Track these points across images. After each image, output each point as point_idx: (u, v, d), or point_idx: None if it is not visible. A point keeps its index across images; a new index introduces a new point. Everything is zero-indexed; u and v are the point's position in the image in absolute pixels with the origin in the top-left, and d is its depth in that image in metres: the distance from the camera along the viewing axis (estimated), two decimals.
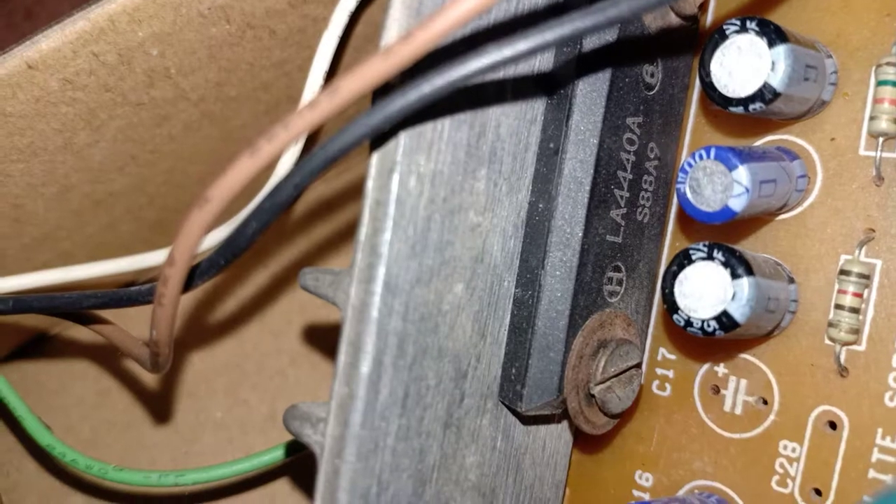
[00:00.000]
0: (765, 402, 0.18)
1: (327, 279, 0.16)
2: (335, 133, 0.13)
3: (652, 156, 0.18)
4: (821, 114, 0.17)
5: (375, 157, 0.15)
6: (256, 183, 0.14)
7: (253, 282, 0.30)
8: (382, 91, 0.14)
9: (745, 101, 0.15)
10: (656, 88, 0.18)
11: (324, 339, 0.29)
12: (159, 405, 0.30)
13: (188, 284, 0.16)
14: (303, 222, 0.30)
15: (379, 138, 0.15)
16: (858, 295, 0.16)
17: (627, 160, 0.17)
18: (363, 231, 0.15)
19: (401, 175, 0.15)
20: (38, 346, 0.30)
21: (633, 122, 0.17)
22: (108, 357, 0.30)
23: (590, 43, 0.16)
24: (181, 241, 0.14)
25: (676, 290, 0.16)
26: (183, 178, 0.26)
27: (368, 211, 0.15)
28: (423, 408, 0.16)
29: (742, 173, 0.15)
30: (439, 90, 0.13)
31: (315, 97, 0.13)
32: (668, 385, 0.19)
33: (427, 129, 0.15)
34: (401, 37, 0.13)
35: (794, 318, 0.17)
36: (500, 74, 0.16)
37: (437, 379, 0.16)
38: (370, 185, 0.15)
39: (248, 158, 0.13)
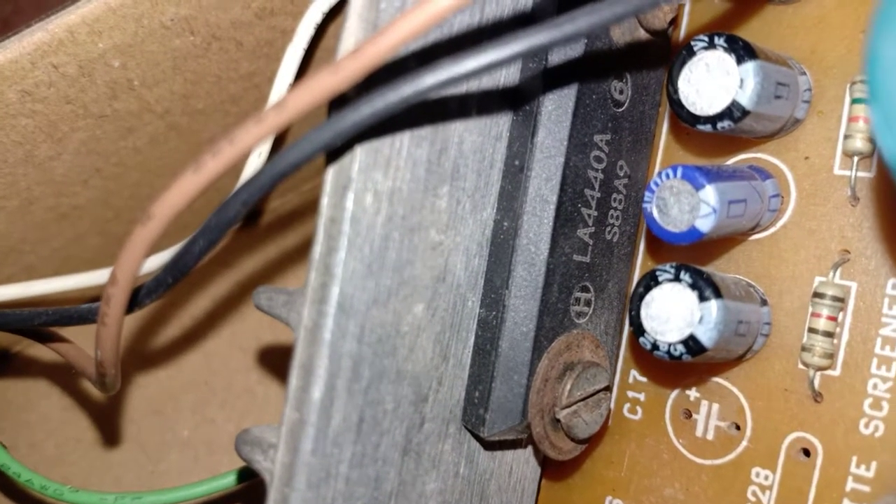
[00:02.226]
0: (737, 428, 0.17)
1: (281, 299, 0.15)
2: (284, 148, 0.13)
3: (621, 174, 0.18)
4: (794, 132, 0.17)
5: (330, 174, 0.14)
6: (223, 194, 0.14)
7: (222, 296, 0.29)
8: (339, 104, 0.14)
9: (713, 119, 0.15)
10: (625, 105, 0.17)
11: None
12: (125, 423, 0.29)
13: (134, 304, 0.15)
14: (274, 233, 0.29)
15: (334, 153, 0.14)
16: (833, 318, 0.16)
17: (595, 178, 0.17)
18: (317, 250, 0.14)
19: (356, 192, 0.14)
20: (1, 363, 0.30)
21: (601, 140, 0.17)
22: (72, 374, 0.29)
23: (555, 58, 0.16)
24: (123, 259, 0.14)
25: (643, 312, 0.15)
26: (150, 191, 0.25)
27: (323, 229, 0.14)
28: (379, 433, 0.15)
29: (709, 193, 0.14)
30: (392, 105, 0.13)
31: (263, 111, 0.12)
32: (639, 408, 0.18)
33: (385, 144, 0.14)
34: (350, 51, 0.12)
35: (766, 342, 0.17)
36: (462, 89, 0.16)
37: (396, 403, 0.15)
38: (324, 202, 0.14)
39: (192, 174, 0.13)
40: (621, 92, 0.17)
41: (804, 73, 0.17)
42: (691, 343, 0.15)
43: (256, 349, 0.29)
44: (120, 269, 0.14)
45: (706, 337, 0.14)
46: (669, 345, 0.15)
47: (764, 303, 0.17)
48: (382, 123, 0.14)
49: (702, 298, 0.14)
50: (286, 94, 0.12)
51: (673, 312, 0.15)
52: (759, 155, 0.17)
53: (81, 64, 0.20)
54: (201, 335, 0.29)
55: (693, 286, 0.15)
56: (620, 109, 0.17)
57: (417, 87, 0.12)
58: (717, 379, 0.18)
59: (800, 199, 0.17)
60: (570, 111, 0.16)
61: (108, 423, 0.29)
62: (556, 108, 0.16)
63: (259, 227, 0.30)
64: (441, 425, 0.16)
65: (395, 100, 0.12)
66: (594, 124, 0.17)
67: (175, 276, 0.15)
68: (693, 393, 0.18)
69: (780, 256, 0.17)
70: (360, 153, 0.14)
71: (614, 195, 0.18)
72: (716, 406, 0.17)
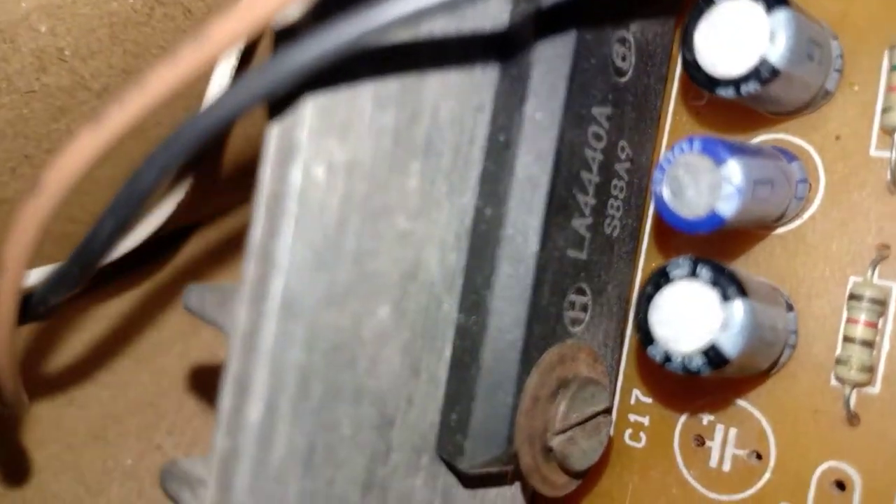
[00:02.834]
0: (759, 457, 0.15)
1: (214, 298, 0.12)
2: (210, 101, 0.10)
3: (623, 156, 0.15)
4: (823, 107, 0.15)
5: (273, 136, 0.12)
6: None
7: (172, 303, 0.26)
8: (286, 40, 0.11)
9: (736, 82, 0.13)
10: (628, 75, 0.15)
11: None
12: (62, 449, 0.26)
13: (39, 304, 0.13)
14: (242, 232, 0.27)
15: (277, 108, 0.11)
16: (872, 325, 0.14)
17: (593, 159, 0.15)
18: (255, 233, 0.12)
19: (305, 162, 0.12)
20: None
21: (601, 114, 0.15)
22: None
23: (548, 11, 0.13)
24: (12, 241, 0.11)
25: (652, 316, 0.12)
26: (89, 183, 0.22)
27: (263, 207, 0.12)
28: (334, 466, 0.12)
29: (733, 169, 0.12)
30: (350, 43, 0.10)
31: (183, 44, 0.10)
32: (643, 434, 0.16)
33: (342, 104, 0.12)
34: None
35: (793, 354, 0.14)
36: (438, 43, 0.13)
37: (355, 427, 0.13)
38: (266, 173, 0.12)
39: (91, 132, 0.10)
40: (624, 58, 0.15)
41: (835, 38, 0.14)
42: (712, 353, 0.12)
43: (212, 366, 0.26)
44: (8, 252, 0.11)
45: (730, 345, 0.12)
46: (685, 356, 0.12)
47: (790, 308, 0.14)
48: (339, 75, 0.11)
49: (725, 297, 0.12)
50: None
51: (689, 316, 0.12)
52: (781, 135, 0.15)
53: (2, 27, 0.17)
54: (148, 350, 0.26)
55: (714, 283, 0.12)
56: (623, 79, 0.15)
57: (385, 18, 0.10)
58: (734, 399, 0.15)
59: (830, 185, 0.15)
60: (566, 76, 0.14)
61: (43, 449, 0.26)
62: (549, 73, 0.14)
63: (221, 225, 0.27)
64: (411, 455, 0.14)
65: (354, 35, 0.10)
66: (593, 94, 0.14)
67: (83, 267, 0.12)
68: (706, 416, 0.15)
69: (807, 253, 0.15)
70: (310, 112, 0.12)
71: (615, 181, 0.15)
72: (733, 431, 0.15)
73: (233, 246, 0.27)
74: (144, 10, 0.18)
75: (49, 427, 0.26)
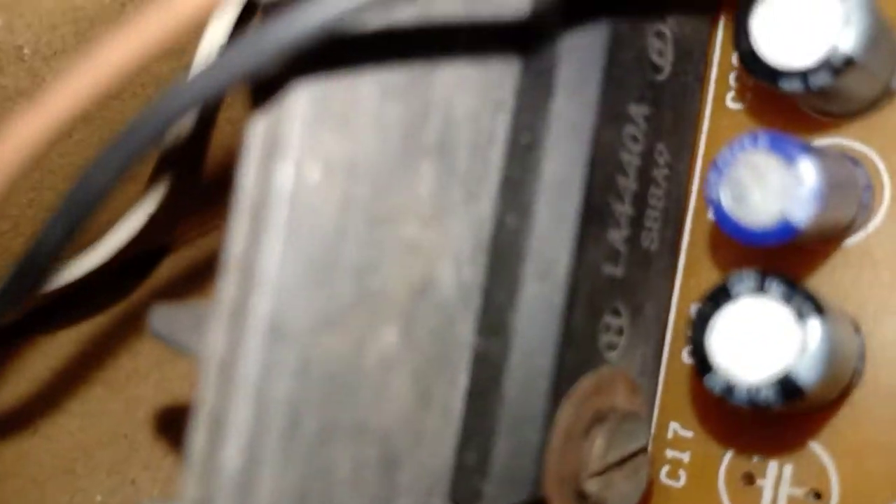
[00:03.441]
0: (818, 496, 0.13)
1: (186, 320, 0.10)
2: (173, 85, 0.08)
3: (661, 161, 0.14)
4: (886, 107, 0.13)
5: (257, 130, 0.10)
6: None
7: (147, 329, 0.24)
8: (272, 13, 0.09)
9: (804, 74, 0.11)
10: (666, 72, 0.14)
11: None
12: (26, 484, 0.25)
13: None
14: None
15: (262, 97, 0.10)
16: None
17: (630, 164, 0.13)
18: (236, 246, 0.10)
19: (298, 160, 0.10)
20: None
21: (638, 113, 0.13)
22: None
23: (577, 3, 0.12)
24: None
25: (711, 340, 0.11)
26: (54, 196, 0.21)
27: (246, 215, 0.10)
28: None
29: (807, 170, 0.10)
30: (337, 20, 0.08)
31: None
32: (682, 472, 0.14)
33: (341, 92, 0.10)
34: None
35: (860, 382, 0.13)
36: (451, 28, 0.11)
37: (355, 470, 0.11)
38: (248, 174, 0.10)
39: (32, 115, 0.08)
40: (661, 54, 0.13)
41: None
42: (786, 382, 0.10)
43: (189, 396, 0.24)
44: None
45: (808, 373, 0.10)
46: (752, 386, 0.10)
47: (856, 329, 0.13)
48: (338, 59, 0.10)
49: (800, 316, 0.10)
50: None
51: (757, 339, 0.10)
52: (838, 140, 0.14)
53: None
54: (122, 378, 0.25)
55: (787, 300, 0.10)
56: (660, 77, 0.13)
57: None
58: (790, 432, 0.13)
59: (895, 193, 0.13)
60: (601, 69, 0.12)
61: (3, 483, 0.24)
62: (580, 66, 0.12)
63: (203, 244, 0.25)
64: (420, 500, 0.12)
65: (352, 6, 0.08)
66: (630, 91, 0.13)
67: (26, 283, 0.10)
68: (757, 451, 0.14)
69: (873, 269, 0.13)
70: (303, 102, 0.10)
71: (652, 189, 0.13)
72: (788, 468, 0.13)
73: (216, 267, 0.25)
74: (114, 6, 0.17)
75: (12, 460, 0.24)
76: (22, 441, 0.25)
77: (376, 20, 0.09)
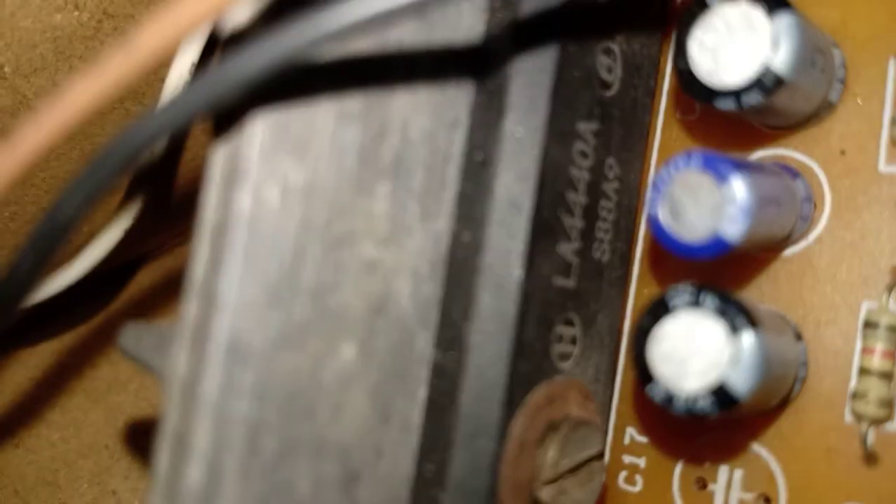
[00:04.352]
0: (767, 501, 0.14)
1: (150, 339, 0.11)
2: (142, 116, 0.09)
3: (611, 175, 0.14)
4: (826, 120, 0.14)
5: (218, 158, 0.10)
6: None
7: None
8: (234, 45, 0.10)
9: (737, 93, 0.11)
10: (615, 88, 0.14)
11: None
12: (8, 496, 0.25)
13: None
14: None
15: (223, 126, 0.10)
16: (890, 355, 0.12)
17: (579, 179, 0.13)
18: (198, 269, 0.10)
19: (256, 185, 0.10)
20: None
21: (587, 130, 0.13)
22: None
23: (527, 16, 0.12)
24: None
25: (652, 351, 0.11)
26: (37, 211, 0.21)
27: (207, 238, 0.10)
28: None
29: (738, 188, 0.11)
30: (300, 49, 0.09)
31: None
32: (638, 478, 0.15)
33: (298, 119, 0.11)
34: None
35: (803, 388, 0.13)
36: (406, 52, 0.12)
37: (315, 486, 0.11)
38: (210, 198, 0.10)
39: (3, 154, 0.09)
40: (609, 70, 0.14)
41: (836, 46, 0.13)
42: (720, 393, 0.11)
43: None
44: None
45: (741, 383, 0.11)
46: (689, 396, 0.11)
47: (798, 337, 0.13)
48: (295, 87, 0.10)
49: (733, 329, 0.11)
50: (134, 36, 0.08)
51: (693, 350, 0.11)
52: (781, 151, 0.14)
53: None
54: (102, 387, 0.25)
55: (721, 313, 0.11)
56: (609, 93, 0.14)
57: (341, 22, 0.08)
58: (739, 437, 0.14)
59: (836, 203, 0.13)
60: (549, 90, 0.13)
61: None
62: (529, 86, 0.12)
63: (179, 254, 0.25)
64: None
65: (307, 41, 0.09)
66: (578, 109, 0.13)
67: (1, 310, 0.10)
68: (709, 457, 0.14)
69: (814, 277, 0.14)
70: (261, 129, 0.10)
71: (603, 202, 0.14)
72: (739, 473, 0.14)
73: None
74: (91, 24, 0.17)
75: None
76: (4, 453, 0.24)
77: (332, 50, 0.10)
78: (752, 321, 0.11)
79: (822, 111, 0.13)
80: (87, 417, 0.25)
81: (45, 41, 0.17)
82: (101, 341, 0.25)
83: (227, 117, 0.10)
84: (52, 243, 0.10)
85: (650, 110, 0.15)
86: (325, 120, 0.11)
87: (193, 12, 0.08)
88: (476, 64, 0.13)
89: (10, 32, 0.16)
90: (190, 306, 0.10)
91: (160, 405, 0.11)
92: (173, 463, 0.10)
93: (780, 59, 0.11)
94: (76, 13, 0.17)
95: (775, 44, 0.11)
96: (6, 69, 0.17)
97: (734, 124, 0.14)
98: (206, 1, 0.08)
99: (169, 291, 0.25)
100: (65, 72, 0.18)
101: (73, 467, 0.25)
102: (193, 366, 0.10)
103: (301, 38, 0.09)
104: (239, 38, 0.10)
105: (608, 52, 0.14)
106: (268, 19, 0.10)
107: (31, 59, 0.17)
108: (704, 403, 0.11)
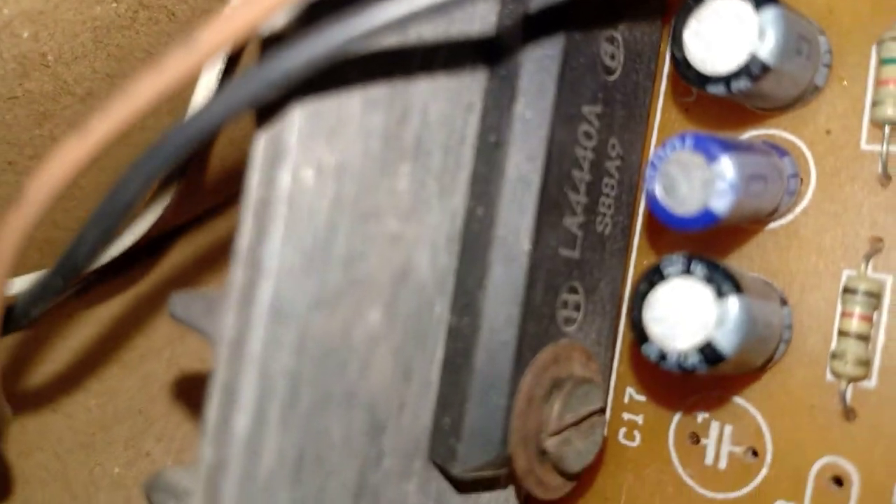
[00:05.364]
0: (755, 454, 0.15)
1: (200, 306, 0.12)
2: (196, 109, 0.10)
3: (613, 154, 0.15)
4: (812, 102, 0.15)
5: (261, 142, 0.11)
6: None
7: (160, 308, 0.26)
8: (273, 46, 0.11)
9: (726, 79, 0.12)
10: (617, 73, 0.15)
11: None
12: (48, 458, 0.26)
13: (22, 316, 0.12)
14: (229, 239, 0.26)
15: (265, 115, 0.11)
16: (867, 318, 0.14)
17: (584, 158, 0.14)
18: (243, 240, 0.11)
19: (295, 166, 0.11)
20: None
21: (591, 112, 0.14)
22: None
23: (536, 12, 0.13)
24: None
25: (646, 314, 0.12)
26: (74, 188, 0.22)
27: (251, 213, 0.11)
28: (325, 474, 0.12)
29: (726, 166, 0.12)
30: (337, 49, 0.10)
31: (172, 51, 0.10)
32: (637, 433, 0.16)
33: (330, 108, 0.12)
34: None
35: (788, 349, 0.14)
36: (426, 43, 0.13)
37: (346, 434, 0.12)
38: (254, 178, 0.11)
39: (77, 140, 0.10)
40: (613, 57, 0.15)
41: (822, 34, 0.14)
42: (708, 351, 0.12)
43: (201, 372, 0.26)
44: None
45: (726, 342, 0.12)
46: (680, 353, 0.12)
47: (783, 302, 0.14)
48: (327, 79, 0.11)
49: (719, 294, 0.12)
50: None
51: (684, 313, 0.12)
52: (771, 131, 0.15)
53: None
54: (136, 356, 0.26)
55: (708, 280, 0.12)
56: (612, 78, 0.15)
57: (372, 23, 0.10)
58: (729, 395, 0.15)
59: (821, 179, 0.15)
60: (556, 76, 0.14)
61: (27, 457, 0.26)
62: (538, 73, 0.14)
63: (209, 227, 0.26)
64: (403, 461, 0.13)
65: (340, 41, 0.10)
66: (583, 93, 0.14)
67: (66, 277, 0.12)
68: (701, 413, 0.15)
69: (800, 247, 0.15)
70: (298, 117, 0.11)
71: (606, 179, 0.15)
72: (728, 428, 0.15)
73: (221, 248, 0.26)
74: (128, 14, 0.18)
75: (35, 436, 0.26)
76: (44, 418, 0.25)
77: (360, 46, 0.11)
78: (738, 287, 0.12)
79: (808, 94, 0.14)
80: (121, 384, 0.26)
81: (85, 31, 0.18)
82: (135, 312, 0.26)
83: (268, 108, 0.11)
84: (113, 220, 0.11)
85: (651, 93, 0.16)
86: (354, 107, 0.12)
87: (249, 14, 0.09)
88: (489, 53, 0.14)
89: (54, 23, 0.17)
90: (237, 273, 0.11)
91: (210, 363, 0.12)
92: (223, 413, 0.11)
93: (766, 48, 0.12)
94: (114, 5, 0.18)
95: (761, 34, 0.12)
96: (49, 57, 0.18)
97: (728, 106, 0.15)
98: (260, 4, 0.09)
99: (200, 265, 0.26)
100: (102, 59, 0.19)
101: (108, 431, 0.26)
102: (240, 326, 0.11)
103: (340, 36, 0.10)
104: (277, 39, 0.11)
105: (611, 39, 0.15)
106: (303, 22, 0.11)
107: (72, 47, 0.18)
108: (694, 360, 0.12)
